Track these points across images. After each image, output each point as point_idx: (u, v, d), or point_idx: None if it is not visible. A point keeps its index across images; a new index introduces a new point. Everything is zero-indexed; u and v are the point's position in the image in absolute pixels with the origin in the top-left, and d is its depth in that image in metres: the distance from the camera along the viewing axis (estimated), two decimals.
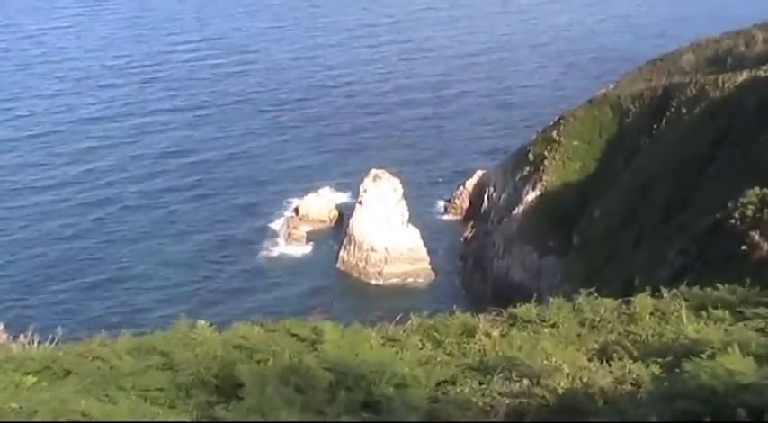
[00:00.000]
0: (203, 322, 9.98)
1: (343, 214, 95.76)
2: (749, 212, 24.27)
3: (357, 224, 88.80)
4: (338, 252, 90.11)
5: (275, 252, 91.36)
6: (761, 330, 8.84)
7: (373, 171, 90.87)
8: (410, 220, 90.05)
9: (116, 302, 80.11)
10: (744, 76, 65.95)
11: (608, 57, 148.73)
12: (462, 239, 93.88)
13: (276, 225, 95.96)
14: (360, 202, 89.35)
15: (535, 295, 12.20)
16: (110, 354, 9.27)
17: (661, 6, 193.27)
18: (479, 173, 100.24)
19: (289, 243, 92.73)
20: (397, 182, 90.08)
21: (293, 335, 9.76)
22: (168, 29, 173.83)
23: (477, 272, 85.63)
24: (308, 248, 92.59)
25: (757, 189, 24.93)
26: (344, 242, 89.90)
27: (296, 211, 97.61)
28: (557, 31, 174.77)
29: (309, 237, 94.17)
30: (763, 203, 24.16)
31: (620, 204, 68.15)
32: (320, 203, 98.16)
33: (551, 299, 11.07)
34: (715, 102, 66.18)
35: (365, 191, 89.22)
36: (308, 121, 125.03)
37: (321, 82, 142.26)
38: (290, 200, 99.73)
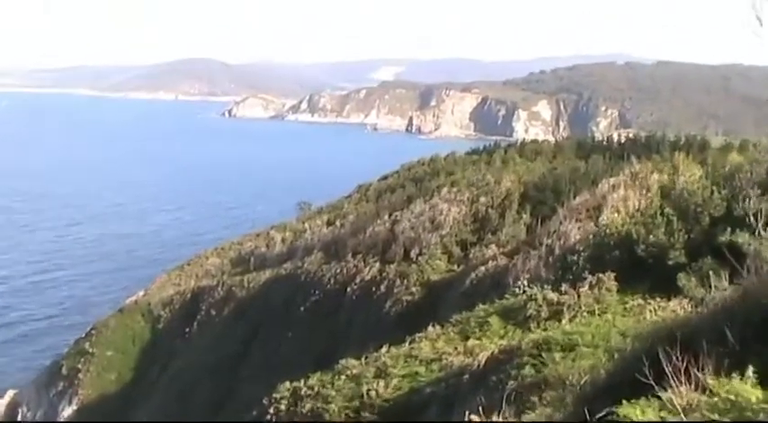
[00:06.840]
0: None
1: None
2: (283, 407, 25.24)
3: None
4: None
5: None
6: None
7: None
8: None
9: None
10: (267, 274, 69.41)
11: (136, 264, 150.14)
12: None
13: None
14: None
15: None
16: None
17: (179, 212, 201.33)
18: (11, 393, 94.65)
19: None
20: None
21: None
22: None
23: None
24: None
25: (288, 383, 26.06)
26: None
27: None
28: (82, 244, 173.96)
29: None
30: (295, 397, 25.27)
31: (160, 411, 67.44)
32: None
33: None
34: (243, 301, 68.75)
35: None
36: None
37: None
38: None
